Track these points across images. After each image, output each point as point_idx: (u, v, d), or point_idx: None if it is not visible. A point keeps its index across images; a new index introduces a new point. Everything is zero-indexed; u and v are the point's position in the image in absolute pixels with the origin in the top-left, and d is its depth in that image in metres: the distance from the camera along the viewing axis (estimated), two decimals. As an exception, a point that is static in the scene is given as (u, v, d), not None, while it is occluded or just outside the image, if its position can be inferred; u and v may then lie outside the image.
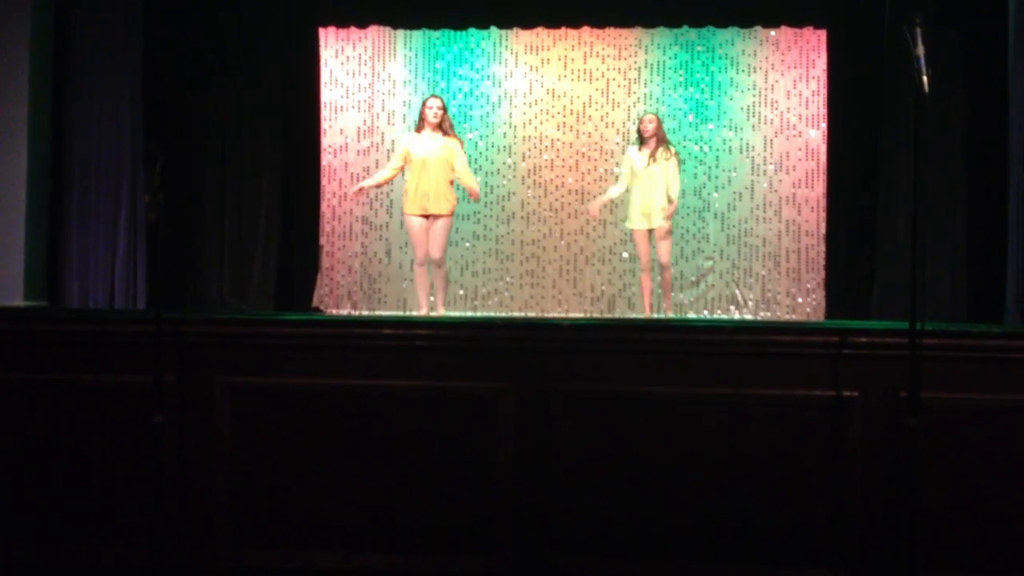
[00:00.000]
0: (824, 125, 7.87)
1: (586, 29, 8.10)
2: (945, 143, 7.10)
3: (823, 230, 7.85)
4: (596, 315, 7.90)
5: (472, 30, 8.13)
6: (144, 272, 7.41)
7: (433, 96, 6.81)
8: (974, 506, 3.27)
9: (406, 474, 3.44)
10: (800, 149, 8.01)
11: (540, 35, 8.18)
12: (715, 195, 8.10)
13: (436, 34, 8.19)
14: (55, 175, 7.46)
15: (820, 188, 7.90)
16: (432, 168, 6.51)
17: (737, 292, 8.02)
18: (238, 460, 3.47)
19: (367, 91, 8.23)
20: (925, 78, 3.09)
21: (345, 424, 3.47)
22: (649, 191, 6.75)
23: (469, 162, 8.18)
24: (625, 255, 8.10)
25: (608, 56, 8.18)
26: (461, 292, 8.14)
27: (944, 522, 3.24)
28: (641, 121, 6.89)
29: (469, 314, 7.81)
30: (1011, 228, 6.72)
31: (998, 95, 6.97)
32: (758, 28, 7.98)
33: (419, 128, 6.64)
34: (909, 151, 6.44)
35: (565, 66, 8.19)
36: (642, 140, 6.83)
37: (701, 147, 8.10)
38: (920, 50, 3.12)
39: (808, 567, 3.34)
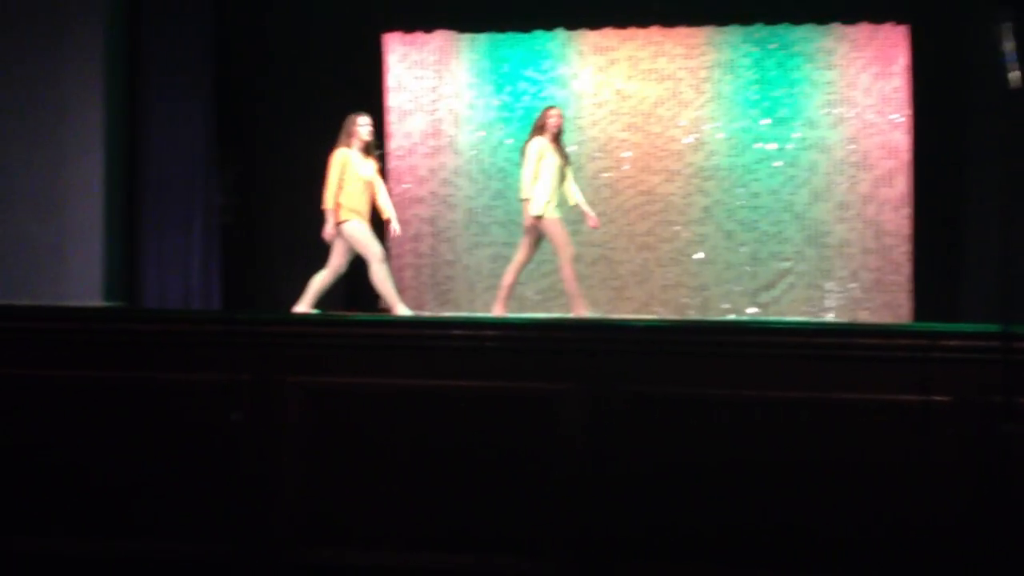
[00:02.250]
0: (906, 122, 7.66)
1: (655, 28, 8.01)
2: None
3: (906, 230, 7.63)
4: (666, 316, 7.79)
5: (538, 32, 8.07)
6: (218, 273, 7.53)
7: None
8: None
9: (472, 475, 3.42)
10: (881, 147, 7.79)
11: (607, 35, 8.10)
12: (792, 195, 7.92)
13: (501, 36, 8.17)
14: (132, 178, 7.62)
15: (902, 187, 7.68)
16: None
17: (816, 294, 7.84)
18: (308, 459, 3.48)
19: (432, 95, 8.23)
20: (1014, 74, 2.98)
21: (412, 424, 3.47)
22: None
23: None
24: (700, 255, 7.96)
25: (677, 55, 8.06)
26: (531, 294, 8.09)
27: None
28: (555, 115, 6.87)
29: (538, 315, 7.76)
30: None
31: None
32: (836, 24, 7.80)
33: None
34: (997, 148, 6.25)
35: (633, 66, 8.09)
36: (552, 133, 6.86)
37: (778, 147, 7.93)
38: (1008, 46, 3.01)
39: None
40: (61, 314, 4.19)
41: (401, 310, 6.67)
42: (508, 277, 6.95)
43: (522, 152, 6.88)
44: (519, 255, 6.95)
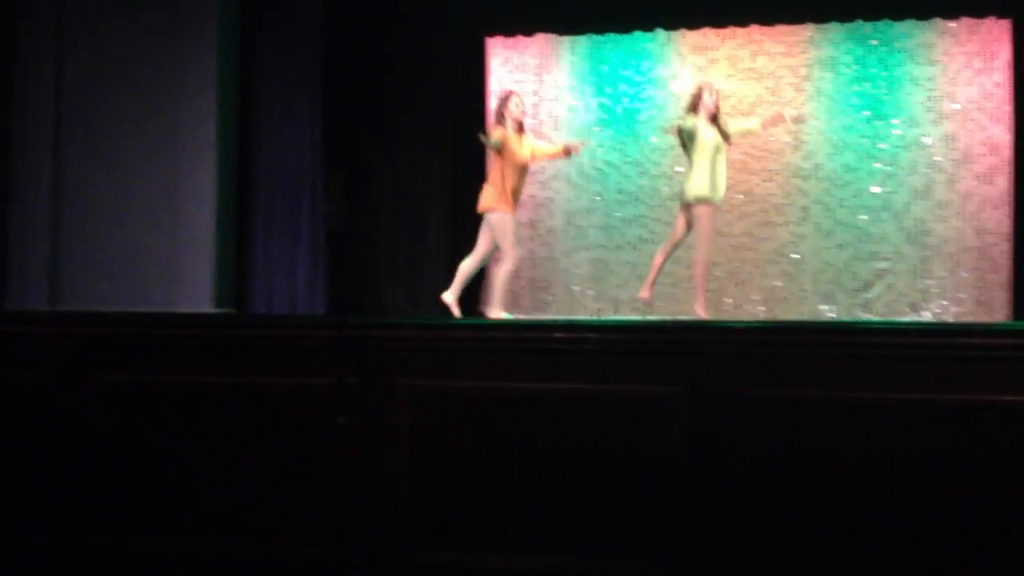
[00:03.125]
0: (1008, 118, 7.46)
1: (754, 27, 7.97)
2: None
3: (1006, 228, 7.45)
4: (765, 318, 7.72)
5: (637, 32, 8.11)
6: (324, 279, 7.74)
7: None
8: None
9: (577, 477, 3.49)
10: (982, 144, 7.61)
11: (707, 35, 8.09)
12: (892, 193, 7.78)
13: (601, 38, 8.22)
14: (242, 187, 7.89)
15: (1004, 184, 7.49)
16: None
17: (915, 293, 7.69)
18: (416, 461, 3.59)
19: (533, 97, 8.33)
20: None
21: (516, 427, 3.55)
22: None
23: (634, 165, 8.23)
24: (796, 256, 7.89)
25: (777, 53, 8.00)
26: (625, 297, 8.11)
27: None
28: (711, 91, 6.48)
29: (639, 317, 7.78)
30: None
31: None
32: (936, 19, 7.64)
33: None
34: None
35: (733, 65, 8.06)
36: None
37: (878, 145, 7.80)
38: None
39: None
40: (173, 320, 4.33)
41: (497, 313, 6.59)
42: (657, 258, 6.74)
43: (675, 133, 6.63)
44: (670, 238, 6.68)
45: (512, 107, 6.43)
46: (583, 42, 8.28)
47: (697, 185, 6.32)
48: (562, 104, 8.31)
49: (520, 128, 6.45)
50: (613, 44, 8.23)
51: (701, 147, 6.33)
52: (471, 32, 8.21)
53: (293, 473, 3.66)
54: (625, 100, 8.22)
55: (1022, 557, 3.16)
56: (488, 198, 6.45)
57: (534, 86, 8.34)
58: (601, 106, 8.24)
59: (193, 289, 7.49)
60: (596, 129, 8.23)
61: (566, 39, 8.29)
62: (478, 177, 8.18)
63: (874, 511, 3.28)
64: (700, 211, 6.35)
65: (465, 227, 8.16)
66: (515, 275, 8.27)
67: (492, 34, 8.30)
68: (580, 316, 7.98)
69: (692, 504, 3.39)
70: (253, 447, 3.69)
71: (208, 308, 7.41)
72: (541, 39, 8.31)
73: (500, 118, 6.45)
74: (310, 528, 3.61)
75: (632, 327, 3.99)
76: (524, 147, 6.46)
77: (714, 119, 6.40)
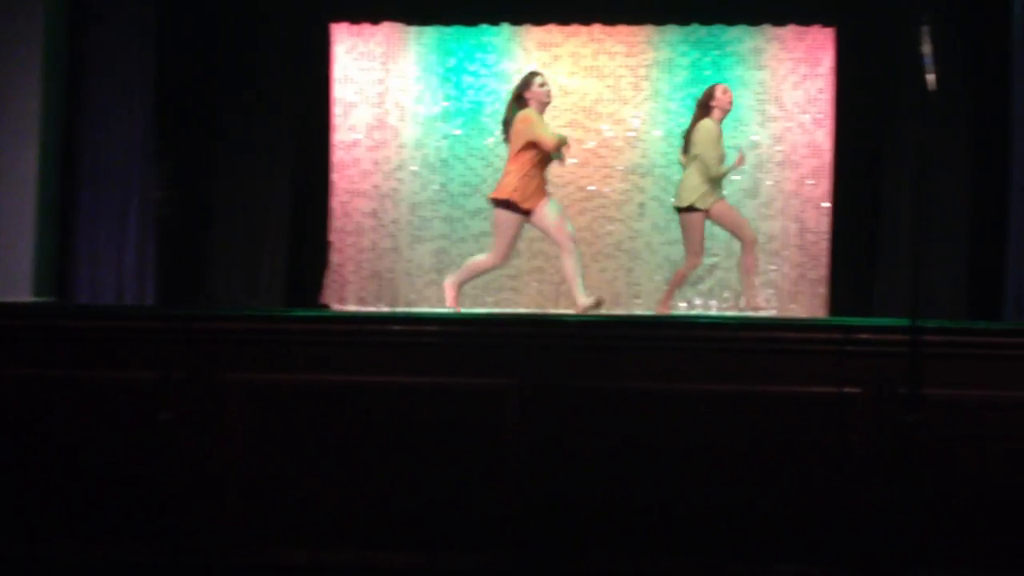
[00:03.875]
0: (828, 123, 7.89)
1: (597, 26, 8.13)
2: (948, 142, 7.16)
3: (826, 227, 7.87)
4: (602, 312, 7.91)
5: (484, 26, 8.16)
6: (154, 268, 7.45)
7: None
8: (973, 501, 3.30)
9: (415, 471, 3.49)
10: (806, 146, 8.02)
11: (551, 32, 8.20)
12: (723, 191, 8.09)
13: (448, 30, 8.22)
14: (66, 171, 7.50)
15: (825, 185, 7.92)
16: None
17: (743, 289, 8.03)
18: (249, 457, 3.51)
19: (379, 87, 8.26)
20: (931, 77, 3.12)
21: (354, 420, 3.52)
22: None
23: (480, 158, 8.29)
24: (633, 250, 8.11)
25: (618, 53, 8.20)
26: (468, 288, 8.16)
27: (944, 516, 3.27)
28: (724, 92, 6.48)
29: (477, 310, 7.85)
30: (1011, 228, 6.79)
31: (1000, 96, 7.02)
32: (766, 26, 8.00)
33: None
34: (913, 149, 6.49)
35: (575, 63, 8.21)
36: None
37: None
38: (927, 49, 3.15)
39: (811, 562, 3.38)
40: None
41: (449, 290, 6.23)
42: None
43: (685, 137, 6.57)
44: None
45: (537, 87, 6.00)
46: (430, 33, 8.26)
47: (690, 191, 6.40)
48: (408, 95, 8.28)
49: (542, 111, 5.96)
50: (460, 36, 8.24)
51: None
52: (315, 18, 8.06)
53: (120, 471, 3.51)
54: (471, 93, 8.25)
55: (837, 538, 3.36)
56: (508, 188, 5.97)
57: (379, 75, 8.27)
58: (447, 98, 8.25)
59: (10, 277, 7.07)
60: (440, 124, 8.23)
61: (413, 29, 8.25)
62: (319, 164, 8.09)
63: (699, 499, 3.41)
64: (694, 218, 6.42)
65: (306, 215, 8.05)
66: (358, 266, 8.25)
67: (337, 20, 8.17)
68: (422, 308, 7.99)
69: (528, 496, 3.45)
70: (74, 444, 3.53)
71: (26, 297, 7.01)
72: (388, 28, 8.24)
73: (520, 100, 6.01)
74: (140, 528, 3.48)
75: (468, 320, 4.02)
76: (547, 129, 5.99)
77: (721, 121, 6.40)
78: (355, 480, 3.50)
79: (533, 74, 6.15)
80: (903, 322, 3.28)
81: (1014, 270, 6.72)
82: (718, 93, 6.45)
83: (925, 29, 3.15)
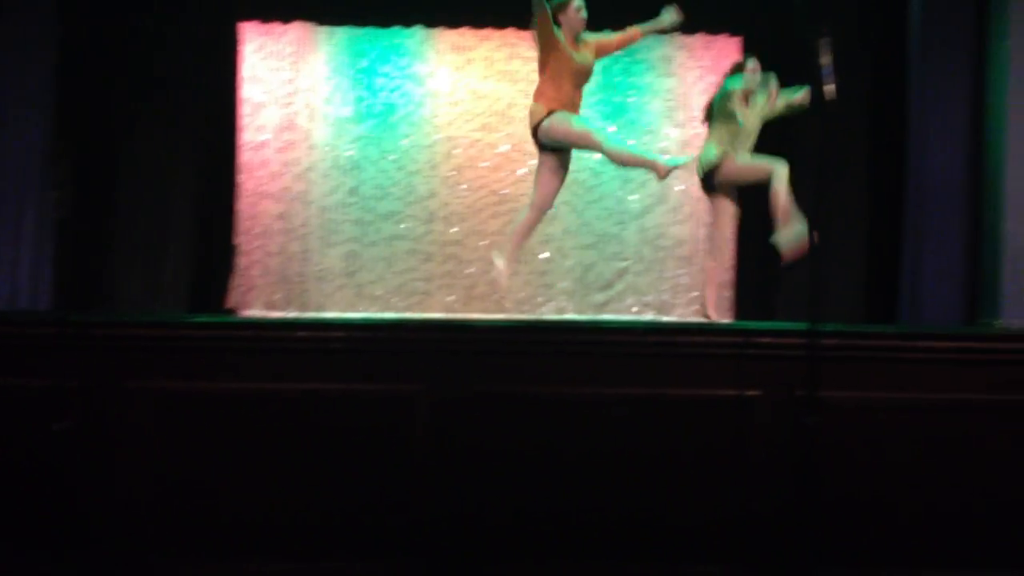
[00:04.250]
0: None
1: (511, 30, 8.15)
2: (848, 149, 7.39)
3: (733, 233, 8.02)
4: (514, 315, 7.95)
5: (397, 28, 8.10)
6: (51, 271, 7.20)
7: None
8: (870, 501, 3.40)
9: (325, 479, 3.45)
10: (714, 152, 8.17)
11: (465, 35, 8.20)
12: (632, 197, 8.22)
13: (360, 31, 8.16)
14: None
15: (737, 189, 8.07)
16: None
17: (652, 292, 8.16)
18: (152, 468, 3.44)
19: (288, 87, 8.15)
20: (830, 87, 3.21)
21: (260, 429, 3.47)
22: None
23: (392, 161, 8.25)
24: (546, 255, 8.17)
25: (532, 58, 8.16)
26: (380, 292, 8.12)
27: (843, 517, 3.37)
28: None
29: (385, 315, 7.81)
30: (906, 232, 7.05)
31: (898, 105, 7.27)
32: (676, 33, 8.11)
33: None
34: (814, 157, 6.65)
35: (489, 66, 8.22)
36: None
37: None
38: (826, 60, 3.23)
39: (714, 562, 3.44)
40: None
41: (499, 261, 5.66)
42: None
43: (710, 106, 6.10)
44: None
45: (572, 11, 5.51)
46: (342, 33, 8.17)
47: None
48: (319, 95, 8.18)
49: (574, 41, 5.51)
50: (372, 37, 8.18)
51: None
52: (224, 16, 7.91)
53: (14, 483, 3.40)
54: (383, 95, 8.19)
55: (740, 539, 3.42)
56: (544, 105, 5.40)
57: (290, 75, 8.15)
58: (359, 99, 8.18)
59: None
60: (352, 125, 8.17)
61: (324, 29, 8.16)
62: (225, 164, 7.94)
63: (607, 502, 3.45)
64: (729, 167, 5.98)
65: (212, 217, 7.89)
66: (265, 269, 8.08)
67: (246, 19, 8.03)
68: (332, 313, 7.91)
69: (440, 502, 3.44)
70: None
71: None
72: (298, 27, 8.13)
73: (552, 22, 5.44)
74: (40, 541, 3.38)
75: (376, 325, 3.99)
76: (582, 49, 5.55)
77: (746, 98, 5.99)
78: (263, 489, 3.45)
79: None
80: (803, 326, 3.37)
81: (909, 274, 6.98)
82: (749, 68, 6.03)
83: (824, 41, 3.25)
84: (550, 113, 5.42)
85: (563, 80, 5.49)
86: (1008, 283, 6.67)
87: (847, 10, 7.43)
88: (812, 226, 3.35)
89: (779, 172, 5.88)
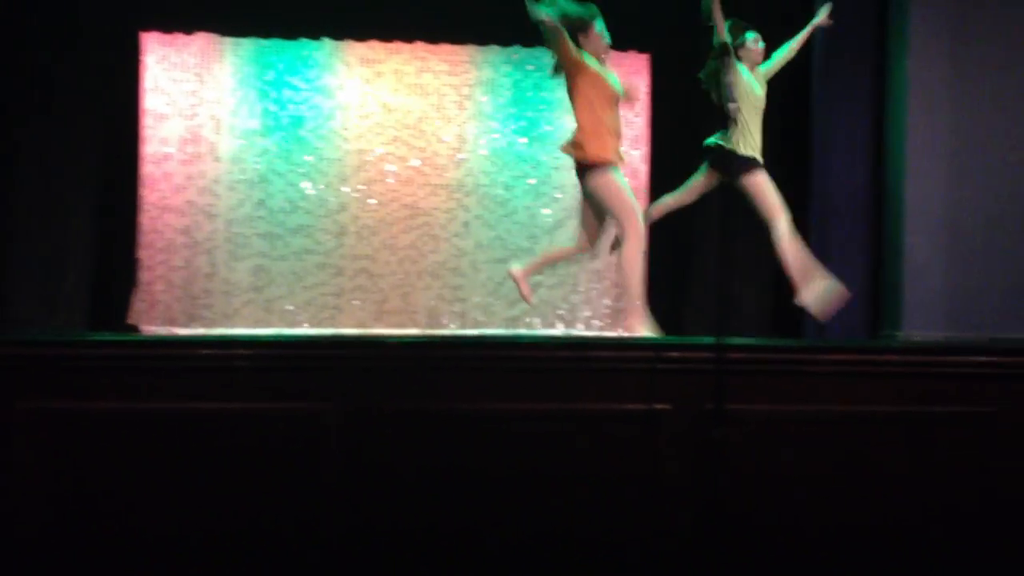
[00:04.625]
0: (645, 145, 8.16)
1: (420, 44, 8.13)
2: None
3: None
4: (426, 330, 7.91)
5: (304, 40, 8.01)
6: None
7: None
8: (777, 513, 3.45)
9: (230, 502, 3.36)
10: (623, 168, 8.24)
11: (374, 48, 8.15)
12: (545, 211, 8.25)
13: (266, 42, 8.04)
14: None
15: (642, 205, 8.15)
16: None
17: (566, 307, 8.20)
18: (44, 491, 3.30)
19: (192, 99, 7.99)
20: (733, 105, 3.26)
21: (162, 451, 3.36)
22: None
23: (302, 174, 8.13)
24: (457, 269, 8.14)
25: (442, 72, 8.23)
26: (289, 307, 7.99)
27: (749, 530, 3.40)
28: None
29: (294, 331, 7.70)
30: (811, 247, 7.12)
31: (803, 118, 7.47)
32: (586, 50, 8.20)
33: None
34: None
35: (399, 80, 8.19)
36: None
37: (531, 163, 8.25)
38: (730, 78, 3.30)
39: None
40: None
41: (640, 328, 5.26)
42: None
43: (708, 79, 5.54)
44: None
45: (594, 34, 5.21)
46: (247, 45, 8.05)
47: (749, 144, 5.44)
48: (224, 107, 8.03)
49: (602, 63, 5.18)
50: (279, 49, 8.07)
51: (746, 100, 5.39)
52: (125, 27, 7.71)
53: None
54: (291, 107, 8.09)
55: (648, 553, 3.43)
56: (588, 146, 5.11)
57: (194, 86, 7.98)
58: (266, 112, 8.06)
59: None
60: (259, 138, 8.04)
61: (229, 40, 8.02)
62: (127, 177, 7.72)
63: (517, 518, 3.42)
64: (758, 177, 5.48)
65: (113, 231, 7.67)
66: (168, 285, 7.88)
67: (148, 29, 7.85)
68: (238, 329, 7.76)
69: (348, 522, 3.38)
70: None
71: None
72: (202, 38, 7.98)
73: (574, 42, 5.12)
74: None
75: (283, 342, 3.91)
76: (611, 77, 5.24)
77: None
78: (163, 514, 3.34)
79: (593, 16, 5.24)
80: (708, 340, 3.40)
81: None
82: (749, 43, 5.58)
83: (727, 59, 3.31)
84: (599, 164, 5.16)
85: (597, 105, 5.21)
86: (909, 296, 6.87)
87: (754, 23, 7.57)
88: (721, 240, 3.38)
89: (779, 228, 5.49)
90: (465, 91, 8.23)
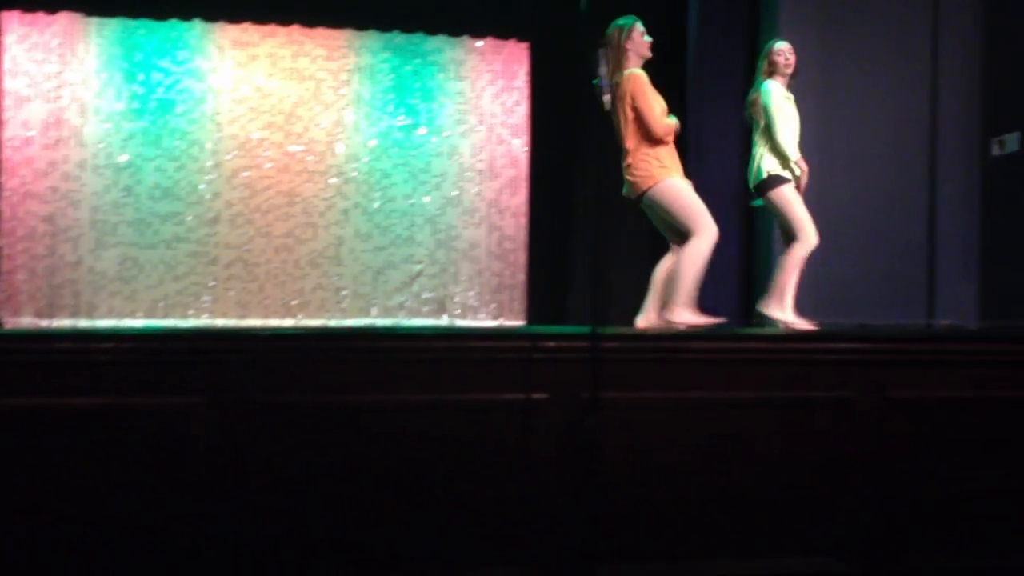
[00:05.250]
0: (527, 134, 8.21)
1: (296, 27, 7.98)
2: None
3: (524, 237, 8.18)
4: (304, 320, 7.79)
5: (174, 20, 7.76)
6: None
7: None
8: (649, 497, 3.51)
9: (91, 501, 3.22)
10: (504, 156, 8.29)
11: (248, 30, 7.95)
12: (425, 199, 8.21)
13: (133, 23, 7.76)
14: None
15: (522, 196, 8.23)
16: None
17: (446, 296, 8.18)
18: None
19: (55, 81, 7.65)
20: (607, 98, 3.29)
21: (17, 450, 3.20)
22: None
23: (172, 159, 7.87)
24: (336, 257, 8.03)
25: (319, 56, 8.09)
26: (159, 298, 7.75)
27: (623, 514, 3.45)
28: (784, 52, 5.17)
29: (160, 323, 7.48)
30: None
31: (678, 113, 7.60)
32: (466, 37, 8.19)
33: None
34: (594, 164, 6.87)
35: (273, 64, 8.01)
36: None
37: (411, 151, 8.19)
38: (603, 70, 3.32)
39: (501, 565, 3.45)
40: None
41: (684, 316, 4.73)
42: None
43: (752, 105, 5.20)
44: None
45: (637, 35, 4.73)
46: (114, 25, 7.76)
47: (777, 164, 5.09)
48: (89, 90, 7.72)
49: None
50: (148, 30, 7.81)
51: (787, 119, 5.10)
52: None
53: None
54: (160, 90, 7.84)
55: (527, 540, 3.45)
56: (650, 170, 4.72)
57: (56, 68, 7.65)
58: (134, 95, 7.78)
59: None
60: (126, 122, 7.76)
61: (94, 20, 7.71)
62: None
63: (395, 509, 3.39)
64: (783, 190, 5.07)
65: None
66: (31, 274, 7.56)
67: (7, 8, 7.48)
68: (106, 321, 7.49)
69: (218, 518, 3.28)
70: None
71: None
72: (65, 18, 7.65)
73: (620, 52, 4.66)
74: None
75: (148, 336, 3.77)
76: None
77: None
78: (19, 514, 3.18)
79: (632, 19, 4.82)
80: (584, 329, 3.43)
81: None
82: (774, 55, 5.16)
83: (601, 52, 3.32)
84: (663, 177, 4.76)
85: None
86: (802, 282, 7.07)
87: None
88: (596, 231, 3.41)
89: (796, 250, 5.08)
90: (343, 77, 8.11)
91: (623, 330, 3.91)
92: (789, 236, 5.12)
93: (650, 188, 4.73)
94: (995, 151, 6.96)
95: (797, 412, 3.61)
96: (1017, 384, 3.77)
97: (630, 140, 4.73)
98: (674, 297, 4.74)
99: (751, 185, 5.19)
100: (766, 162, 5.12)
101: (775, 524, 3.57)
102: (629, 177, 4.77)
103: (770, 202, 5.14)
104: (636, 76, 4.69)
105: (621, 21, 4.78)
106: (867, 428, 3.63)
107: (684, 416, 3.55)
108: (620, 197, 4.94)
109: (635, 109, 4.66)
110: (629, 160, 4.75)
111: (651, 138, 4.71)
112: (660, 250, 7.67)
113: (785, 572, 3.56)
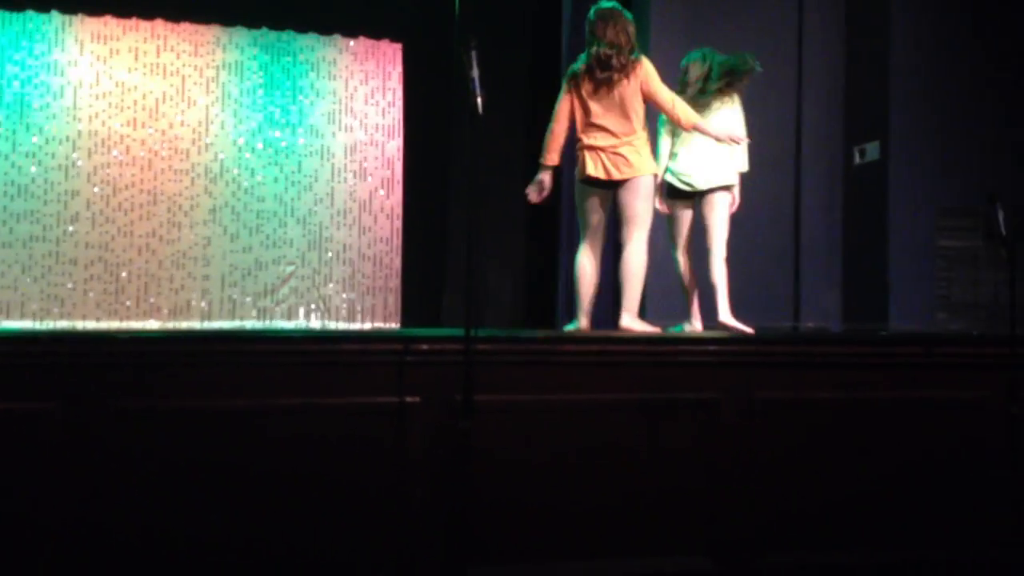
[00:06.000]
0: (400, 135, 8.17)
1: (159, 21, 7.74)
2: (505, 158, 7.68)
3: (398, 238, 8.14)
4: (168, 322, 7.56)
5: (30, 12, 7.44)
6: None
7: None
8: (522, 499, 3.53)
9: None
10: (377, 157, 8.23)
11: (108, 24, 7.68)
12: (296, 200, 8.08)
13: (-15, 14, 7.41)
14: None
15: (397, 196, 8.18)
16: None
17: (317, 298, 8.07)
18: None
19: None
20: (479, 99, 3.29)
21: None
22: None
23: (28, 155, 7.52)
24: (203, 258, 7.82)
25: (184, 52, 7.86)
26: (14, 299, 7.39)
27: (496, 516, 3.47)
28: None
29: (15, 326, 7.15)
30: (562, 242, 7.43)
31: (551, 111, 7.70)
32: (337, 36, 8.10)
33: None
34: (466, 166, 6.88)
35: (136, 58, 7.75)
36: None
37: (283, 152, 8.04)
38: (475, 72, 3.31)
39: (377, 568, 3.41)
40: None
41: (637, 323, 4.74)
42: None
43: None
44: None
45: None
46: (-38, 16, 7.39)
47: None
48: (-68, 83, 7.32)
49: None
50: (2, 22, 7.46)
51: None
52: None
53: None
54: (16, 84, 7.48)
55: (399, 544, 3.42)
56: (651, 158, 4.79)
57: None
58: (-16, 89, 7.43)
59: None
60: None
61: (-61, 9, 7.32)
62: None
63: (261, 517, 3.31)
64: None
65: None
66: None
67: None
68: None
69: (75, 532, 3.15)
70: None
71: None
72: (-97, 5, 7.24)
73: (623, 34, 4.64)
74: None
75: (3, 338, 3.58)
76: None
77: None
78: None
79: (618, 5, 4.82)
80: (458, 332, 3.42)
81: (564, 280, 7.36)
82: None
83: (473, 54, 3.33)
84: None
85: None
86: (655, 286, 7.19)
87: (505, 19, 7.69)
88: (469, 233, 3.42)
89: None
90: (210, 73, 7.90)
91: (495, 332, 3.92)
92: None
93: (645, 175, 4.74)
94: (857, 160, 7.24)
95: (666, 414, 3.69)
96: (879, 385, 3.95)
97: (636, 122, 4.71)
98: (628, 303, 4.78)
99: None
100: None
101: (647, 524, 3.65)
102: (630, 158, 4.70)
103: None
104: (649, 63, 4.72)
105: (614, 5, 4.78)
106: (734, 429, 3.74)
107: (557, 418, 3.60)
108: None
109: (649, 94, 4.67)
110: (633, 141, 4.71)
111: (643, 127, 4.74)
112: (538, 253, 7.72)
113: (657, 571, 3.64)
